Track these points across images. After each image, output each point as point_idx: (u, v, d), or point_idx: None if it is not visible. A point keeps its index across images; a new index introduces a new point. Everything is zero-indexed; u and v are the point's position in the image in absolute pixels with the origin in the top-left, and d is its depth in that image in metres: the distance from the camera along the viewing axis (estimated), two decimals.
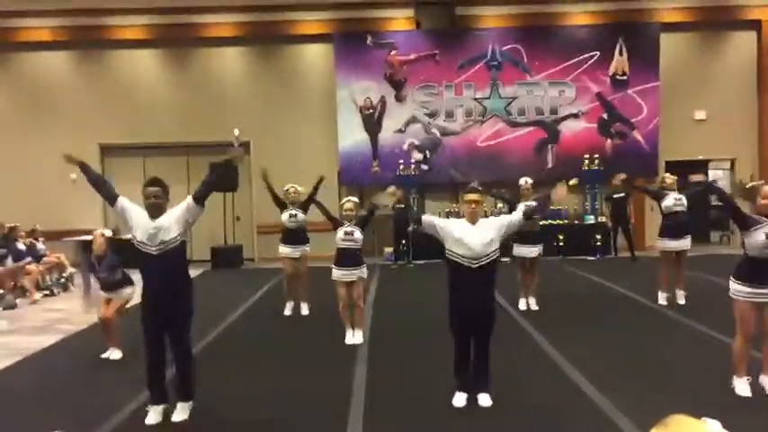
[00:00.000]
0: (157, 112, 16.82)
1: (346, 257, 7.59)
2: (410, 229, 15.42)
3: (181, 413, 5.30)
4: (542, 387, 5.94)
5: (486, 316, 5.35)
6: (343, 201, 7.96)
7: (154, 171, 17.00)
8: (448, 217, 16.22)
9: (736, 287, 5.42)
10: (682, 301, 9.34)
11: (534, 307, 9.39)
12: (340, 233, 7.57)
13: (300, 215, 9.46)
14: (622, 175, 10.28)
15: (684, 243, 9.38)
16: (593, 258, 15.37)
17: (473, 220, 5.41)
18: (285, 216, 9.48)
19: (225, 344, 7.99)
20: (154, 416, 5.28)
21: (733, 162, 17.13)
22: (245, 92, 16.85)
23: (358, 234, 7.58)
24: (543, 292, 9.82)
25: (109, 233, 7.95)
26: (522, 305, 9.43)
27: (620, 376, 6.17)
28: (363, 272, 7.68)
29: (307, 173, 16.45)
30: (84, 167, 5.61)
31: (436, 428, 5.05)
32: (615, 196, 15.05)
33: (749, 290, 5.34)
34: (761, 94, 16.66)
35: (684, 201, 9.28)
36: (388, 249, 16.12)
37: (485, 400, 5.43)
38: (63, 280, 12.93)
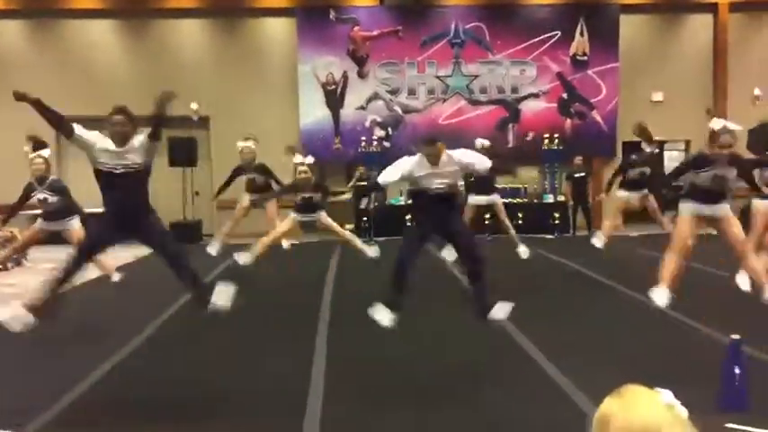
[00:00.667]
0: (115, 85, 16.44)
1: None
2: (371, 205, 15.44)
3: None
4: (497, 361, 6.04)
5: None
6: (297, 163, 8.36)
7: None
8: (409, 195, 16.34)
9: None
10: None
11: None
12: (299, 198, 8.69)
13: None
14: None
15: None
16: (551, 237, 15.59)
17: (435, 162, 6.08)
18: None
19: (183, 319, 7.93)
20: None
21: (688, 143, 17.49)
22: (204, 66, 16.58)
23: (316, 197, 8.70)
24: (502, 270, 9.93)
25: (48, 152, 7.67)
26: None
27: (574, 350, 6.31)
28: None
29: (268, 148, 16.35)
30: (39, 103, 5.45)
31: (391, 400, 5.11)
32: (576, 176, 15.27)
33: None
34: (716, 76, 17.00)
35: None
36: (349, 227, 16.09)
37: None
38: (16, 255, 12.64)
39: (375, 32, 16.51)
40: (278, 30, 16.76)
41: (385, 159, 16.55)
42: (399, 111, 16.69)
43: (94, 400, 5.20)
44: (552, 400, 5.01)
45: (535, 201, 16.56)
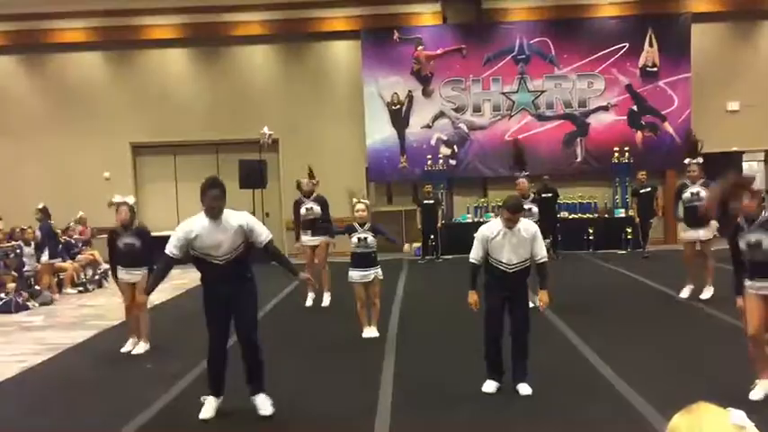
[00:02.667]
0: (187, 111, 17.02)
1: (361, 260, 7.72)
2: (439, 225, 15.42)
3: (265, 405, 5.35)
4: (569, 379, 5.91)
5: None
6: (354, 202, 7.99)
7: (184, 169, 17.32)
8: (476, 212, 16.25)
9: None
10: (705, 296, 9.11)
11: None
12: (353, 239, 7.70)
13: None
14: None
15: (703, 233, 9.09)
16: (622, 252, 15.19)
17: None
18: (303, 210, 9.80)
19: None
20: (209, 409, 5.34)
21: (767, 153, 16.80)
22: (273, 89, 16.97)
23: (371, 239, 7.68)
24: (574, 285, 9.76)
25: (132, 200, 7.81)
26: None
27: (648, 368, 6.12)
28: (379, 272, 7.77)
29: (335, 170, 16.62)
30: (156, 283, 5.45)
31: (461, 418, 5.06)
32: (642, 191, 14.78)
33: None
34: None
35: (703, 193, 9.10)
36: (416, 245, 16.12)
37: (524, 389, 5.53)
38: (97, 276, 13.18)
39: (439, 51, 16.57)
40: (343, 52, 17.03)
41: (451, 177, 16.66)
42: (465, 128, 16.65)
43: (164, 423, 5.34)
44: (630, 424, 4.88)
45: (606, 216, 16.19)
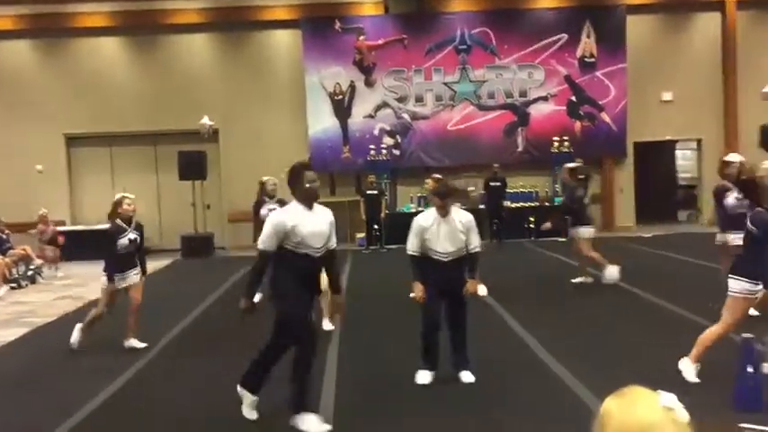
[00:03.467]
0: (123, 101, 16.58)
1: None
2: (383, 215, 15.43)
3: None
4: (509, 364, 5.99)
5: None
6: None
7: (121, 161, 16.89)
8: (420, 202, 16.32)
9: None
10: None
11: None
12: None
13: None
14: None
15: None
16: (563, 240, 15.42)
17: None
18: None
19: (197, 331, 7.94)
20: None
21: (699, 142, 17.35)
22: (212, 79, 16.66)
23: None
24: (516, 273, 9.89)
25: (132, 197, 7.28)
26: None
27: (585, 352, 6.25)
28: None
29: (276, 159, 16.41)
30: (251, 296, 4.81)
31: (407, 410, 5.07)
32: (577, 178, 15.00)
33: None
34: (725, 74, 16.86)
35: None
36: (360, 235, 16.10)
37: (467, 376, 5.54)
38: (30, 272, 12.74)
39: (381, 41, 16.54)
40: (284, 42, 16.83)
41: (395, 167, 16.68)
42: (408, 118, 16.69)
43: (107, 417, 5.21)
44: (562, 403, 4.96)
45: (546, 204, 16.45)
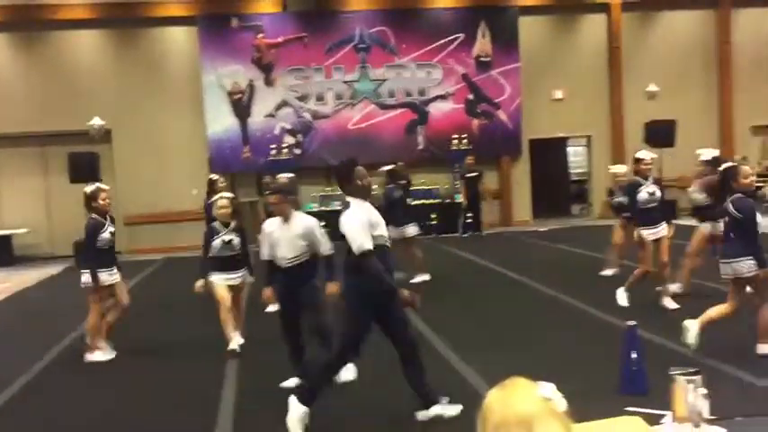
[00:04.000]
0: (8, 101, 15.69)
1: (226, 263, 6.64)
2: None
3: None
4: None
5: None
6: (216, 198, 7.04)
7: (7, 164, 15.97)
8: (323, 201, 16.27)
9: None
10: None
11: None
12: (217, 242, 6.53)
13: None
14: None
15: None
16: (465, 235, 15.76)
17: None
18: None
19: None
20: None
21: (589, 139, 18.12)
22: (103, 78, 16.00)
23: (237, 241, 6.58)
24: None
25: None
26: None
27: (477, 341, 6.42)
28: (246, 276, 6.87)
29: (174, 160, 16.03)
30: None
31: None
32: (468, 175, 15.39)
33: None
34: (611, 73, 17.68)
35: None
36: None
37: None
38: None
39: (280, 39, 16.37)
40: (179, 39, 16.39)
41: (296, 166, 16.54)
42: (309, 117, 16.61)
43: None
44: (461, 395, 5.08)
45: (447, 201, 16.76)
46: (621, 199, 8.59)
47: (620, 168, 9.68)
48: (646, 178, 7.35)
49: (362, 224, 4.47)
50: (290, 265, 5.36)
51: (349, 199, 4.66)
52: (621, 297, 7.43)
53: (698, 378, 2.57)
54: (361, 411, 5.00)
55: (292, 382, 5.43)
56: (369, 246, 4.41)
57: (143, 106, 15.99)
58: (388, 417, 4.87)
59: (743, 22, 17.95)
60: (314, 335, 5.49)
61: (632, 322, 4.90)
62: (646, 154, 7.57)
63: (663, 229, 7.34)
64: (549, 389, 1.63)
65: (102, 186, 6.92)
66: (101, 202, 6.71)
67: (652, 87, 17.28)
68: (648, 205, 7.24)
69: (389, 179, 10.05)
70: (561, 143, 19.05)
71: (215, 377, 5.88)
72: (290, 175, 9.44)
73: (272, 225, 5.45)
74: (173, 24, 16.23)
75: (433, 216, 16.24)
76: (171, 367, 6.45)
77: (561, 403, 1.62)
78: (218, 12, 16.09)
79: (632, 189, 7.46)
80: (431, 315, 7.64)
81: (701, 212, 7.77)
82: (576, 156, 19.63)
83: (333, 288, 5.39)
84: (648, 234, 7.24)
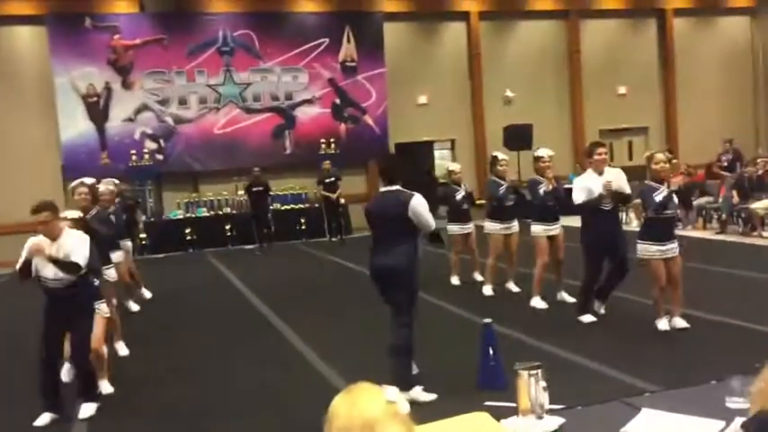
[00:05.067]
0: None
1: None
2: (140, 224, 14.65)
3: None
4: (270, 355, 6.01)
5: None
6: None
7: None
8: (188, 208, 15.81)
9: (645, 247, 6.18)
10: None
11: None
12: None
13: None
14: None
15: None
16: (334, 239, 15.74)
17: None
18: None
19: None
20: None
21: (453, 142, 18.68)
22: None
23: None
24: (281, 274, 9.93)
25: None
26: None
27: (341, 344, 6.46)
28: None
29: (26, 165, 15.00)
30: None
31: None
32: (327, 180, 15.42)
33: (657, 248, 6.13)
34: (472, 79, 18.33)
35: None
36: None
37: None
38: None
39: (138, 41, 15.72)
40: (27, 39, 15.35)
41: (159, 172, 15.98)
42: (171, 121, 16.06)
43: None
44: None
45: (317, 205, 16.69)
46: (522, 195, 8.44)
47: (455, 165, 10.09)
48: (542, 176, 7.46)
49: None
50: (53, 287, 4.91)
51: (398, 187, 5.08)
52: (537, 302, 7.52)
53: (539, 372, 2.69)
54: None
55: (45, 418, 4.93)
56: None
57: None
58: None
59: (590, 32, 19.16)
60: None
61: (488, 320, 5.07)
62: (544, 152, 7.66)
63: (558, 227, 7.57)
64: (392, 392, 1.66)
65: (84, 181, 6.69)
66: (76, 198, 6.50)
67: (509, 93, 18.08)
68: (547, 203, 7.43)
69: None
70: (427, 147, 19.51)
71: None
72: (115, 181, 8.86)
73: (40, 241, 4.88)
74: (19, 23, 15.19)
75: (302, 221, 16.14)
76: None
77: (404, 406, 1.65)
78: (70, 11, 15.22)
79: (534, 186, 7.50)
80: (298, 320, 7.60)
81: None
82: (442, 159, 20.17)
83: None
84: (545, 230, 7.47)
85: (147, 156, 15.76)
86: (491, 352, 4.86)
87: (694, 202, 13.79)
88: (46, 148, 15.13)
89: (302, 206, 16.54)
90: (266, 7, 16.62)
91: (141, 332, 7.53)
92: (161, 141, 15.97)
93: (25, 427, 4.89)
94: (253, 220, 14.92)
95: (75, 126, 15.37)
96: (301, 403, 5.03)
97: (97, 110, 15.54)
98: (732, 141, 16.12)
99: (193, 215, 15.87)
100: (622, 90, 19.38)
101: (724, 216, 12.82)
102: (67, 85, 15.26)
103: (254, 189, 14.77)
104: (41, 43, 15.18)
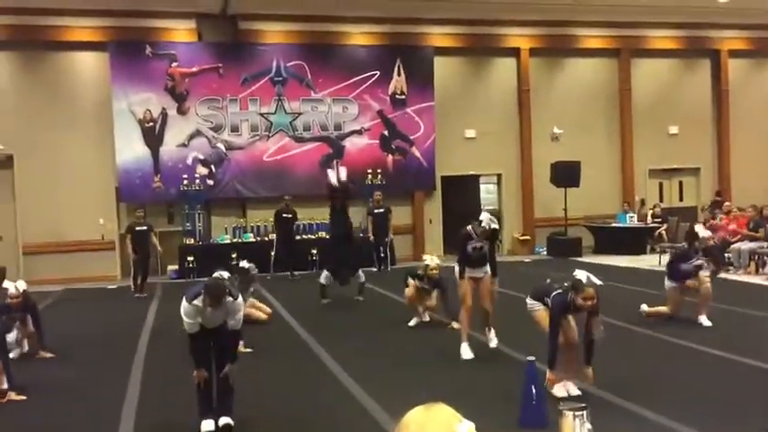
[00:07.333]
0: None
1: None
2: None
3: None
4: (315, 392, 6.04)
5: None
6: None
7: None
8: (235, 233, 16.06)
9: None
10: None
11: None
12: None
13: None
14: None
15: None
16: (375, 270, 15.75)
17: None
18: None
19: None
20: None
21: (499, 177, 18.65)
22: (5, 102, 15.33)
23: None
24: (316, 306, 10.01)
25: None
26: None
27: (384, 373, 6.46)
28: None
29: (80, 187, 15.47)
30: None
31: None
32: (376, 211, 15.51)
33: None
34: (521, 113, 18.34)
35: None
36: (172, 267, 15.54)
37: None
38: None
39: (194, 69, 16.19)
40: (89, 65, 15.93)
41: (209, 197, 16.30)
42: (222, 148, 16.42)
43: None
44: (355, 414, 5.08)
45: (361, 234, 16.75)
46: None
47: (435, 261, 9.68)
48: None
49: None
50: None
51: None
52: (466, 351, 7.15)
53: (584, 413, 2.68)
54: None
55: None
56: None
57: (49, 132, 15.39)
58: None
59: (641, 71, 19.04)
60: None
61: (532, 357, 5.04)
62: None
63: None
64: (467, 426, 1.64)
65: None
66: None
67: (556, 130, 18.05)
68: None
69: None
70: (474, 180, 19.53)
71: None
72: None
73: None
74: (82, 49, 15.78)
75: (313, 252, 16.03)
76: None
77: None
78: (131, 39, 15.78)
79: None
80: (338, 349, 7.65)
81: None
82: (487, 193, 20.15)
83: None
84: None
85: (197, 180, 16.12)
86: (533, 389, 4.82)
87: (742, 247, 13.53)
88: (102, 170, 15.59)
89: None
90: (319, 40, 16.97)
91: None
92: (212, 167, 16.32)
93: None
94: (281, 247, 14.94)
95: (132, 150, 15.83)
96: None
97: (153, 135, 15.99)
98: None
99: (240, 240, 16.11)
100: (674, 130, 19.17)
101: None
102: (126, 110, 15.76)
103: (284, 216, 14.98)
104: (103, 69, 15.72)
